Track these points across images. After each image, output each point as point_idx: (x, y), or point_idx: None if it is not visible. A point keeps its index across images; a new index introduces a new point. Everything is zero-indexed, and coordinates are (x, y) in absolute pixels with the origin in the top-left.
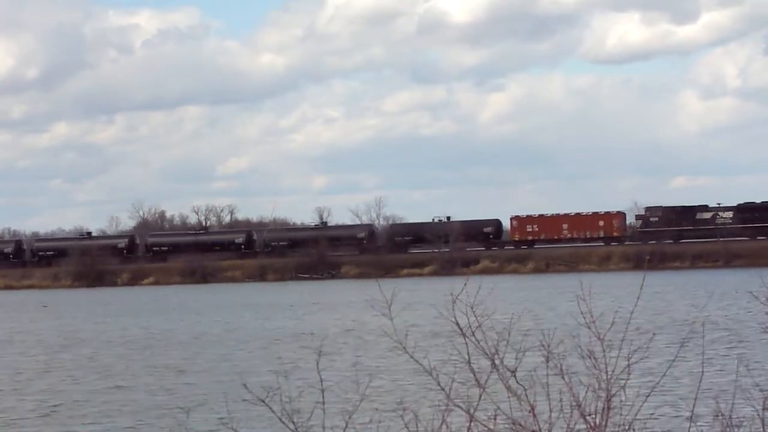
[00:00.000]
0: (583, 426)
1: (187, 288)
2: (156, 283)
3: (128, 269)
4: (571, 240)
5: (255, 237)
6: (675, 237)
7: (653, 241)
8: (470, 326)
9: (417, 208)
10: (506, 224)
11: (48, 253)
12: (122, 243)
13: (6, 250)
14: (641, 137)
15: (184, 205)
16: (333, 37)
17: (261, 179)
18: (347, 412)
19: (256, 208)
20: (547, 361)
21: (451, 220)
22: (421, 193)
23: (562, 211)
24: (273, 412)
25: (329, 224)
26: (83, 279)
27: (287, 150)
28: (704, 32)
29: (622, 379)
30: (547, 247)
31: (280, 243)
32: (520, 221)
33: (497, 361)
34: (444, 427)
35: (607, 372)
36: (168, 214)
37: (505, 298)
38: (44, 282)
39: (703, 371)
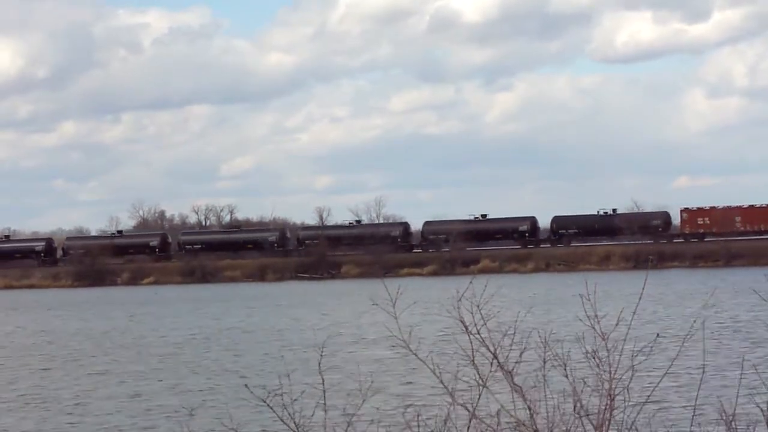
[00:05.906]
0: (586, 425)
1: (197, 287)
2: (156, 282)
3: (128, 269)
4: (744, 233)
5: (411, 230)
6: None
7: None
8: (475, 324)
9: (422, 208)
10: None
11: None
12: (273, 237)
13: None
14: (648, 137)
15: (185, 205)
16: (342, 36)
17: (265, 179)
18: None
19: (257, 208)
20: (544, 362)
21: (616, 212)
22: (427, 192)
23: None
24: (274, 412)
25: (488, 217)
26: (83, 279)
27: (292, 149)
28: (716, 31)
29: (625, 380)
30: (718, 240)
31: (438, 236)
32: (690, 214)
33: (501, 360)
34: (447, 425)
35: (610, 371)
36: (168, 214)
37: (509, 297)
38: (44, 282)
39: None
